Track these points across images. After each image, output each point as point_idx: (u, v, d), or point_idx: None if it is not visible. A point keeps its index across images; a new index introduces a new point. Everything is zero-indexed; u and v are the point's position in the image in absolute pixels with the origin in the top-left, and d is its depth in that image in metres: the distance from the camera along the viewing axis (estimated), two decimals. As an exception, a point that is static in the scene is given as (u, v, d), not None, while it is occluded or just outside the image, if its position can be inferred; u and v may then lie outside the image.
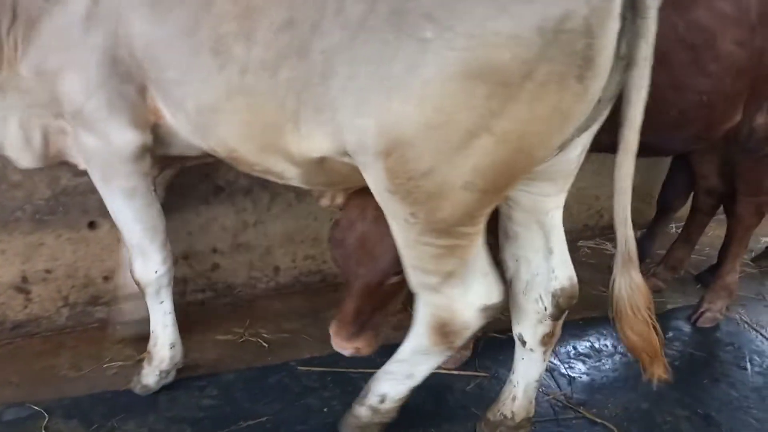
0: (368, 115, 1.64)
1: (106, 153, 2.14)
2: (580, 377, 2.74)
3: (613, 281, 1.95)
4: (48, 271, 2.84)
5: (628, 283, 1.92)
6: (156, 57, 1.98)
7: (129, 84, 2.04)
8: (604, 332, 3.02)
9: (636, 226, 1.95)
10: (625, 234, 1.87)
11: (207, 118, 1.99)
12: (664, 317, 3.08)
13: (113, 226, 2.77)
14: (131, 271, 2.41)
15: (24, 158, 2.27)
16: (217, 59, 1.86)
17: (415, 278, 1.96)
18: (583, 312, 3.04)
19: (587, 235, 3.92)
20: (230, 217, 3.08)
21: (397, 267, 2.03)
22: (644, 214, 3.74)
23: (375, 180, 1.78)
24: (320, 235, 3.27)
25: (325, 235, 3.22)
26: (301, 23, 1.71)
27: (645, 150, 2.57)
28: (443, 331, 2.02)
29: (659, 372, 1.99)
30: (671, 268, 3.40)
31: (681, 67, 2.37)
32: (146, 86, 2.05)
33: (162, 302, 2.49)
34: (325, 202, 2.26)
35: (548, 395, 2.61)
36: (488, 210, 1.81)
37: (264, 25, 1.77)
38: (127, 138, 2.10)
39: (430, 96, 1.56)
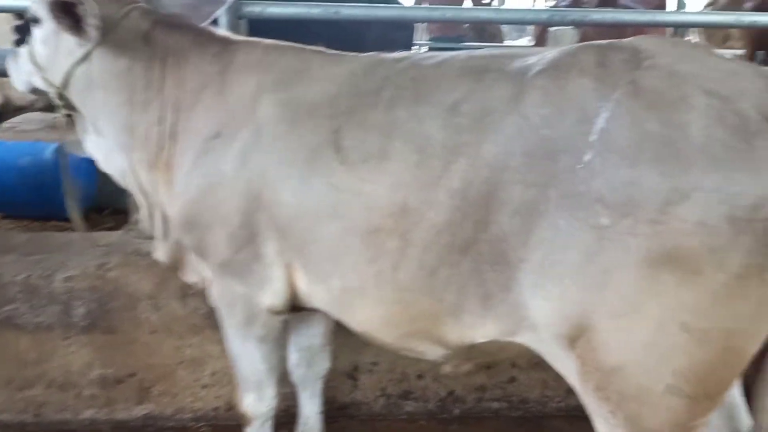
0: (546, 300, 1.60)
1: (249, 304, 2.17)
2: None
3: None
4: (374, 364, 3.30)
5: None
6: (302, 230, 1.94)
7: (269, 247, 2.03)
8: None
9: None
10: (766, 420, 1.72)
11: (351, 299, 1.95)
12: None
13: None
14: (239, 405, 2.43)
15: (158, 251, 2.41)
16: (369, 250, 1.83)
17: None
18: None
19: None
20: (532, 336, 3.28)
21: None
22: None
23: (565, 368, 1.70)
24: (616, 364, 3.30)
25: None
26: (463, 222, 1.68)
27: None
28: None
29: None
30: None
31: None
32: (287, 253, 2.03)
33: None
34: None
35: None
36: (705, 418, 1.61)
37: (423, 227, 1.73)
38: (265, 296, 2.14)
39: (611, 284, 1.49)
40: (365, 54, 2.10)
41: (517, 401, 3.37)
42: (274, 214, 1.98)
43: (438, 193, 1.70)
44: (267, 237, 2.03)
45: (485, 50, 2.02)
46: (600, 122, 1.51)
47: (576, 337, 1.59)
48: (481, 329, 1.78)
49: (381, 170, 1.79)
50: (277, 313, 2.19)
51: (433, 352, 1.96)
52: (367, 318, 1.97)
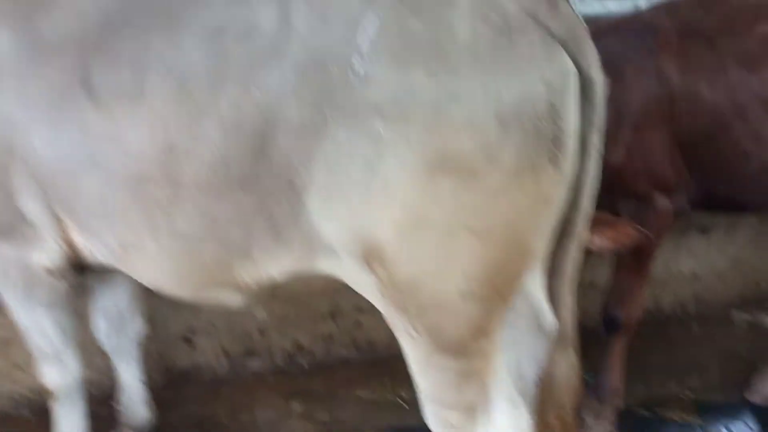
0: (335, 221, 1.54)
1: (23, 268, 1.96)
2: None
3: (549, 360, 1.80)
4: (211, 324, 3.11)
5: (565, 363, 1.78)
6: (62, 183, 1.73)
7: (32, 203, 1.80)
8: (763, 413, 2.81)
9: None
10: (568, 316, 1.77)
11: (131, 255, 1.77)
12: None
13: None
14: (43, 380, 2.24)
15: None
16: (137, 200, 1.65)
17: (433, 417, 1.75)
18: (738, 390, 2.89)
19: (742, 306, 3.68)
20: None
21: None
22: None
23: (367, 288, 1.65)
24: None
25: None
26: (238, 155, 1.53)
27: (729, 205, 2.58)
28: None
29: None
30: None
31: (757, 120, 2.35)
32: (54, 208, 1.80)
33: (76, 408, 2.33)
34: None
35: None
36: (501, 319, 1.63)
37: (193, 167, 1.57)
38: (39, 257, 1.92)
39: (393, 195, 1.45)
40: None
41: (365, 346, 3.32)
42: (31, 166, 1.74)
43: (207, 127, 1.53)
44: (27, 192, 1.78)
45: None
46: (369, 29, 1.43)
47: (370, 256, 1.54)
48: (276, 265, 1.68)
49: (138, 110, 1.58)
50: (60, 275, 1.96)
51: (232, 298, 1.83)
52: (152, 273, 1.81)
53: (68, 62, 1.66)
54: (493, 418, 1.71)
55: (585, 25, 1.52)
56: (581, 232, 1.68)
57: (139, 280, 1.89)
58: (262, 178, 1.54)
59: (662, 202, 2.43)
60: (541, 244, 1.60)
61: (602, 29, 2.43)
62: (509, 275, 1.57)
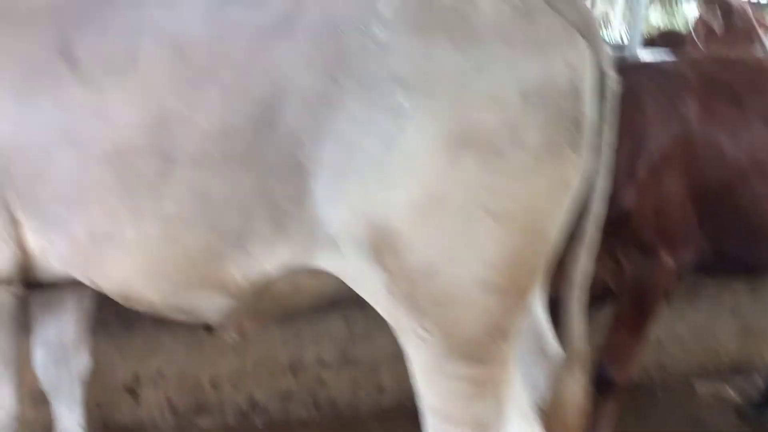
0: (345, 204, 1.42)
1: None
2: None
3: (556, 379, 1.70)
4: (159, 373, 2.82)
5: (573, 384, 1.68)
6: (24, 167, 1.57)
7: None
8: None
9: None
10: (578, 330, 1.67)
11: (101, 247, 1.58)
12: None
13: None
14: None
15: None
16: (119, 178, 1.50)
17: None
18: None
19: (704, 375, 3.66)
20: (340, 329, 3.02)
21: None
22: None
23: (370, 286, 1.50)
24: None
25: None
26: (240, 125, 1.43)
27: (734, 266, 2.53)
28: None
29: None
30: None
31: None
32: (6, 199, 1.61)
33: None
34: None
35: None
36: (517, 320, 1.52)
37: (189, 137, 1.45)
38: None
39: (413, 172, 1.38)
40: None
41: (327, 405, 3.07)
42: None
43: (207, 94, 1.44)
44: None
45: None
46: None
47: (380, 244, 1.42)
48: (272, 258, 1.52)
49: (129, 78, 1.48)
50: (6, 282, 1.71)
51: (214, 304, 1.63)
52: (125, 271, 1.60)
53: (43, 33, 1.55)
54: None
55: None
56: (593, 237, 1.61)
57: (103, 284, 1.67)
58: (266, 153, 1.43)
59: (667, 259, 2.30)
60: (556, 234, 1.51)
61: (627, 65, 2.45)
62: (528, 265, 1.48)
